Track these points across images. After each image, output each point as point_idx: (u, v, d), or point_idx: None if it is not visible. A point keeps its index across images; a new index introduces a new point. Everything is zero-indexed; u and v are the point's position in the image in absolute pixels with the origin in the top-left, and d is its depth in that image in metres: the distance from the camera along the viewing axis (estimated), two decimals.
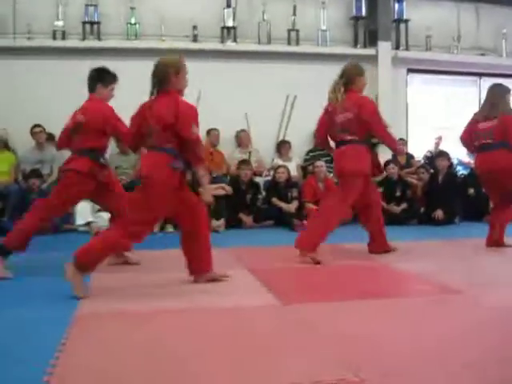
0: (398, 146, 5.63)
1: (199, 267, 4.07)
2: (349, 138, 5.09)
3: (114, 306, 3.48)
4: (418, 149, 9.92)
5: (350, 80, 5.13)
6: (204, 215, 4.09)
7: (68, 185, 4.62)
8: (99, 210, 7.14)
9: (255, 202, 8.06)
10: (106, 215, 6.16)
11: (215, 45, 9.23)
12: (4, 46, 8.62)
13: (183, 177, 3.95)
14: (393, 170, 8.37)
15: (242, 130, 9.15)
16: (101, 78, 4.69)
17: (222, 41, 9.27)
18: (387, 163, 8.62)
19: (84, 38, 8.85)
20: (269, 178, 8.61)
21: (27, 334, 2.91)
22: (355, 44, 9.75)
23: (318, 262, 4.83)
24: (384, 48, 9.65)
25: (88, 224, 7.32)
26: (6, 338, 2.84)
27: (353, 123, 5.04)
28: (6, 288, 4.03)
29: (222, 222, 7.41)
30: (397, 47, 9.84)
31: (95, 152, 4.62)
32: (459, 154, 9.50)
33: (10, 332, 2.95)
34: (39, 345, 2.71)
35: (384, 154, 9.30)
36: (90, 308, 3.42)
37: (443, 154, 8.51)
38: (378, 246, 5.42)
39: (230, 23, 9.27)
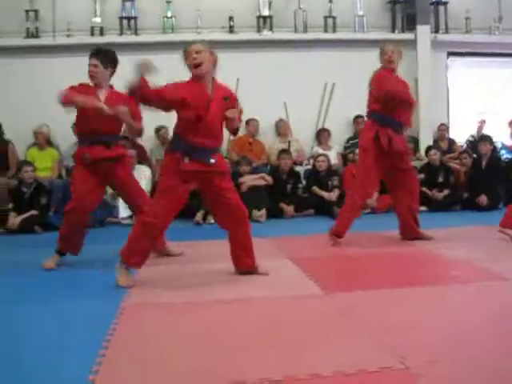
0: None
1: (242, 263, 4.08)
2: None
3: (160, 297, 3.54)
4: (460, 134, 9.74)
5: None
6: (242, 214, 4.06)
7: None
8: None
9: (296, 191, 8.04)
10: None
11: (252, 35, 9.22)
12: (44, 44, 8.78)
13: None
14: (434, 155, 8.25)
15: (281, 120, 9.13)
16: None
17: (259, 30, 9.26)
18: (429, 149, 8.52)
19: (121, 34, 8.94)
20: (309, 166, 8.58)
21: (75, 324, 2.98)
22: (393, 29, 9.60)
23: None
24: (423, 32, 9.47)
25: (131, 217, 7.42)
26: (56, 329, 2.92)
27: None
28: (55, 280, 4.14)
29: (263, 212, 7.42)
30: (436, 30, 9.64)
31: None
32: (502, 138, 9.32)
33: (59, 323, 3.03)
34: (87, 335, 2.77)
35: (426, 140, 9.25)
36: (137, 299, 3.48)
37: (486, 139, 8.33)
38: (408, 232, 5.37)
39: (265, 12, 9.24)
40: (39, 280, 4.15)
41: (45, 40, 8.81)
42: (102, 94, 4.59)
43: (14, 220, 6.98)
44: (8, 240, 6.57)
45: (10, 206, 7.26)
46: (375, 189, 6.25)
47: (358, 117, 8.82)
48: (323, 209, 7.73)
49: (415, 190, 5.47)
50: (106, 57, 4.71)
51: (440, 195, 8.00)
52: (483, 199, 7.74)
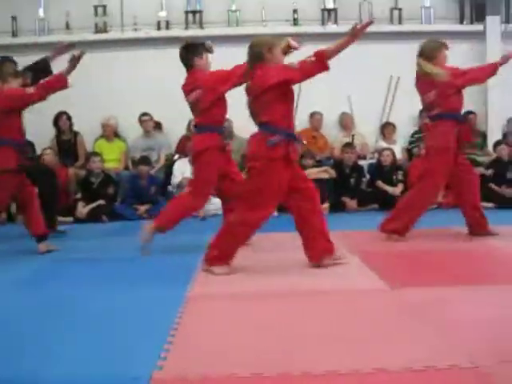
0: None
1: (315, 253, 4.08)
2: None
3: (225, 288, 3.58)
4: None
5: None
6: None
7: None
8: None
9: (359, 185, 7.98)
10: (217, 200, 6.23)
11: (316, 27, 9.14)
12: (113, 38, 8.98)
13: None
14: (503, 150, 8.02)
15: (345, 113, 9.06)
16: (192, 51, 4.77)
17: (323, 23, 9.19)
18: (497, 143, 8.28)
19: (187, 27, 9.04)
20: (373, 160, 8.48)
21: (144, 312, 3.05)
22: (461, 20, 9.35)
23: None
24: (493, 22, 9.17)
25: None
26: (125, 316, 3.00)
27: None
28: (124, 269, 4.25)
29: (326, 205, 7.38)
30: (506, 21, 9.33)
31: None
32: None
33: (127, 310, 3.11)
34: (155, 323, 2.84)
35: (494, 135, 8.99)
36: (202, 289, 3.53)
37: None
38: (476, 228, 5.27)
39: (330, 5, 9.15)
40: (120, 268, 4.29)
41: (113, 34, 9.00)
42: None
43: (82, 209, 7.20)
44: (77, 229, 6.75)
45: (79, 195, 7.48)
46: None
47: (423, 111, 8.64)
48: (387, 203, 7.62)
49: (476, 186, 5.36)
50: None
51: (509, 192, 7.78)
52: None
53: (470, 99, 9.21)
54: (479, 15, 9.30)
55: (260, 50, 3.93)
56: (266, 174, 3.79)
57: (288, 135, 3.89)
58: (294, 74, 3.83)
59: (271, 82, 3.76)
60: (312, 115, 8.86)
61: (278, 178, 3.81)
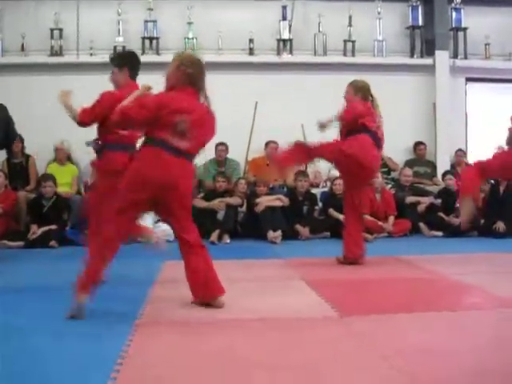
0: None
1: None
2: None
3: (175, 315, 3.56)
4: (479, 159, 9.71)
5: None
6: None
7: None
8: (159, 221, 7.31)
9: (312, 213, 8.06)
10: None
11: (271, 57, 9.32)
12: (68, 61, 8.94)
13: None
14: (450, 180, 8.24)
15: None
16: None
17: (278, 53, 9.35)
18: (445, 174, 8.50)
19: (143, 53, 9.06)
20: (326, 189, 8.60)
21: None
22: (412, 54, 9.67)
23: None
24: (442, 57, 9.52)
25: None
26: (76, 343, 2.94)
27: None
28: None
29: (278, 232, 7.44)
30: (455, 56, 9.68)
31: None
32: None
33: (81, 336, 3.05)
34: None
35: (443, 165, 9.23)
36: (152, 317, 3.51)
37: None
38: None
39: (285, 35, 9.34)
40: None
41: (68, 58, 8.97)
42: None
43: (36, 230, 7.06)
44: (28, 253, 6.61)
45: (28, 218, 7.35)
46: None
47: None
48: (339, 231, 7.71)
49: None
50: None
51: (457, 221, 7.95)
52: (501, 226, 7.70)
53: (420, 131, 9.54)
54: (429, 50, 9.64)
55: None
56: None
57: None
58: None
59: None
60: (267, 144, 8.96)
61: None
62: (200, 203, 7.67)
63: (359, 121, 5.27)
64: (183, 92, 3.67)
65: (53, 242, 7.06)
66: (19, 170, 8.16)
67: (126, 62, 4.78)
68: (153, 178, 3.53)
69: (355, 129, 5.29)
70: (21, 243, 7.03)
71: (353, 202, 5.50)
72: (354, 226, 5.48)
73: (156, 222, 7.37)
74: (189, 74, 3.67)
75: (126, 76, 4.71)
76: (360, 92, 5.48)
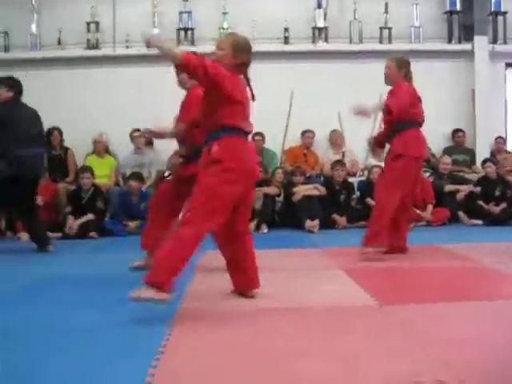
0: None
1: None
2: None
3: (215, 304, 3.59)
4: None
5: None
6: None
7: None
8: None
9: (349, 202, 8.02)
10: None
11: (307, 46, 9.26)
12: (105, 54, 9.04)
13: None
14: (490, 168, 8.10)
15: (335, 130, 9.13)
16: None
17: (314, 41, 9.28)
18: (485, 161, 8.37)
19: (178, 44, 9.10)
20: (363, 178, 8.55)
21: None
22: (450, 40, 9.49)
23: None
24: (480, 42, 9.32)
25: None
26: (115, 332, 2.99)
27: None
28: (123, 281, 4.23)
29: (316, 222, 7.42)
30: (494, 41, 9.48)
31: None
32: None
33: (119, 326, 3.10)
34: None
35: (483, 153, 9.08)
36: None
37: None
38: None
39: (320, 24, 9.27)
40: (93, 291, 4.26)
41: (105, 51, 9.07)
42: None
43: (73, 224, 7.14)
44: (66, 244, 6.71)
45: (68, 209, 7.45)
46: None
47: None
48: None
49: None
50: None
51: (497, 209, 7.84)
52: None
53: (458, 118, 9.38)
54: (467, 35, 9.45)
55: None
56: None
57: None
58: None
59: None
60: (304, 133, 8.94)
61: None
62: None
63: (409, 112, 5.08)
64: (237, 77, 3.49)
65: (93, 233, 7.17)
66: (58, 163, 8.29)
67: None
68: (246, 166, 3.38)
69: (404, 121, 5.11)
70: (59, 234, 7.12)
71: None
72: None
73: None
74: (243, 63, 3.52)
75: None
76: (404, 68, 5.22)
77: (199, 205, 3.27)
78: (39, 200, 6.78)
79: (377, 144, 5.49)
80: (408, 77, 5.23)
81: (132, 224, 7.39)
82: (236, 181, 3.33)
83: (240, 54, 3.49)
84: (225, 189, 3.30)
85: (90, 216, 7.25)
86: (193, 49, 8.87)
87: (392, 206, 5.04)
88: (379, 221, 5.04)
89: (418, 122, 5.23)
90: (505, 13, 9.40)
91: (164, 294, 3.13)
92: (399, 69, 5.23)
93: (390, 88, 5.26)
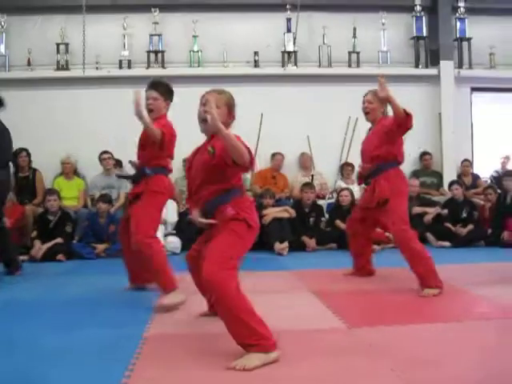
0: None
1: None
2: None
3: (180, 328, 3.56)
4: (485, 169, 9.76)
5: None
6: None
7: None
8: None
9: (318, 224, 8.05)
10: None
11: (276, 69, 9.34)
12: (75, 76, 9.00)
13: None
14: (456, 190, 8.22)
15: (304, 153, 9.19)
16: None
17: (283, 65, 9.38)
18: (451, 184, 8.48)
19: (149, 67, 9.13)
20: (332, 200, 8.60)
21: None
22: (417, 64, 9.68)
23: None
24: (446, 67, 9.53)
25: None
26: (82, 355, 2.95)
27: None
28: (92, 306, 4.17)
29: (285, 244, 7.43)
30: (459, 66, 9.68)
31: None
32: None
33: (86, 350, 3.06)
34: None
35: (449, 175, 9.23)
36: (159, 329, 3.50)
37: (510, 174, 8.29)
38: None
39: (290, 48, 9.37)
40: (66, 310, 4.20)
41: (74, 72, 9.03)
42: None
43: (39, 248, 7.04)
44: (33, 267, 6.61)
45: (34, 234, 7.35)
46: None
47: None
48: (345, 243, 7.69)
49: None
50: (164, 89, 4.59)
51: (463, 231, 7.94)
52: (507, 235, 7.66)
53: (426, 141, 9.54)
54: (434, 60, 9.66)
55: None
56: None
57: None
58: None
59: None
60: (273, 156, 8.99)
61: None
62: None
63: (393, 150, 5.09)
64: None
65: (60, 256, 7.06)
66: (26, 184, 8.18)
67: (171, 97, 4.63)
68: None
69: (385, 159, 5.09)
70: (25, 257, 6.98)
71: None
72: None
73: (165, 235, 7.42)
74: (233, 117, 3.55)
75: (166, 109, 4.60)
76: (385, 104, 5.09)
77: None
78: (7, 222, 6.66)
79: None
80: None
81: (100, 247, 7.31)
82: None
83: (233, 111, 3.53)
84: None
85: (57, 240, 7.15)
86: (163, 71, 8.93)
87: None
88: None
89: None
90: (469, 39, 9.62)
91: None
92: (382, 104, 5.13)
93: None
